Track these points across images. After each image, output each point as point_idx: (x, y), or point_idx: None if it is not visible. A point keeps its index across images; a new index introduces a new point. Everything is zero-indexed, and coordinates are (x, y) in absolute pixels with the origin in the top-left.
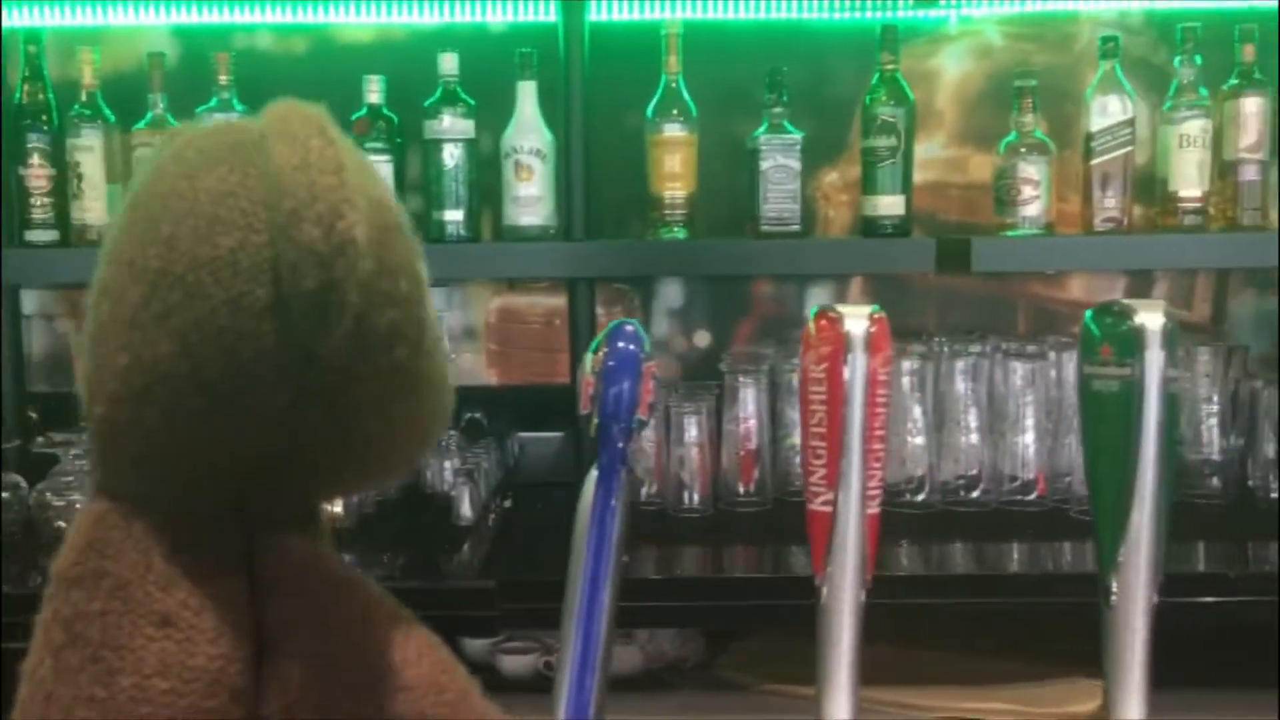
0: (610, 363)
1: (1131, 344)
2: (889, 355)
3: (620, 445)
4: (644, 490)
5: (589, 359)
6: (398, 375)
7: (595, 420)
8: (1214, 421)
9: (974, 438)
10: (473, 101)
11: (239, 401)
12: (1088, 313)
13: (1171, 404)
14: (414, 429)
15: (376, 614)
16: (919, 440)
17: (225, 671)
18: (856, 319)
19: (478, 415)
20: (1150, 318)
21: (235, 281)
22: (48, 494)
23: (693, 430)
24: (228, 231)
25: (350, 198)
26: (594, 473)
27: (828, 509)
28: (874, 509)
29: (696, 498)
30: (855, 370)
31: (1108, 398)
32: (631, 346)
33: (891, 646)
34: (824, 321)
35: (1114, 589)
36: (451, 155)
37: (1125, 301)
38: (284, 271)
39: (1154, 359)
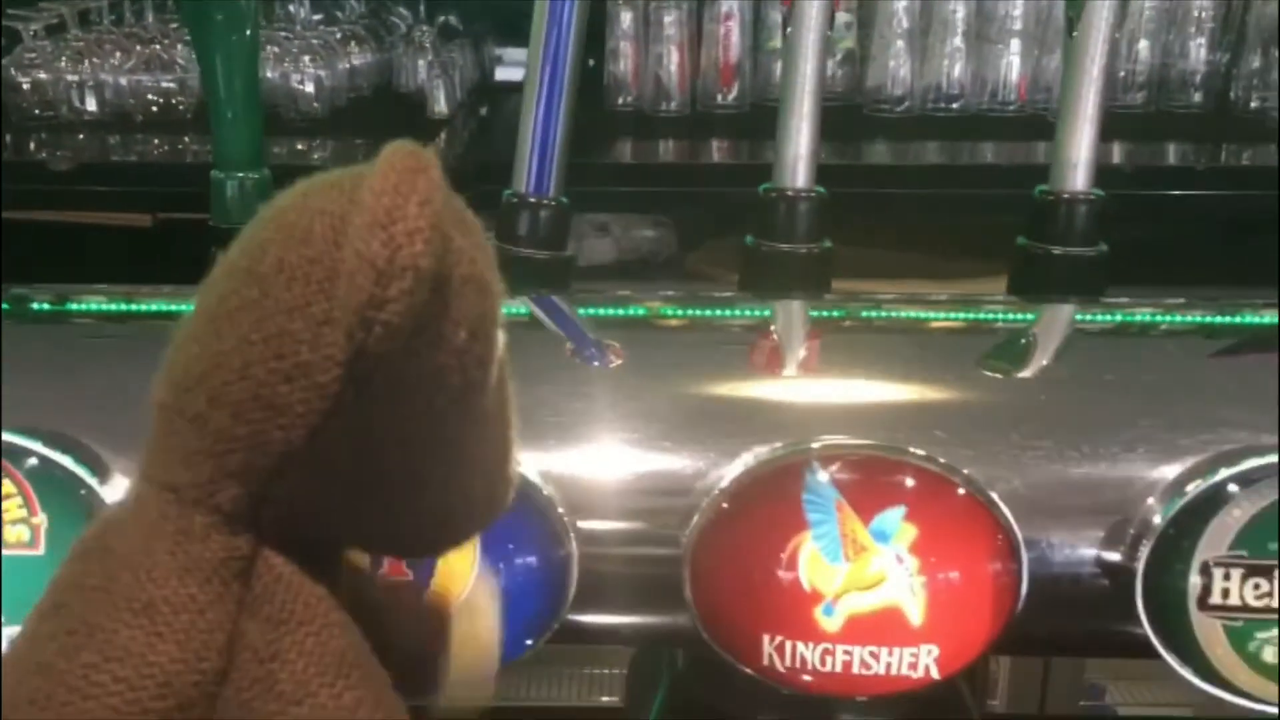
0: None
1: None
2: None
3: None
4: (620, 98)
5: None
6: (433, 430)
7: None
8: (1203, 39)
9: (959, 42)
10: None
11: (274, 405)
12: None
13: None
14: (444, 501)
15: (349, 665)
16: (900, 44)
17: (181, 677)
18: None
19: (451, 18)
20: None
21: (305, 290)
22: (12, 70)
23: (672, 29)
24: (312, 244)
25: (425, 229)
26: None
27: None
28: None
29: (675, 101)
30: None
31: None
32: None
33: (852, 247)
34: None
35: (1078, 19)
36: None
37: None
38: (342, 283)
39: None
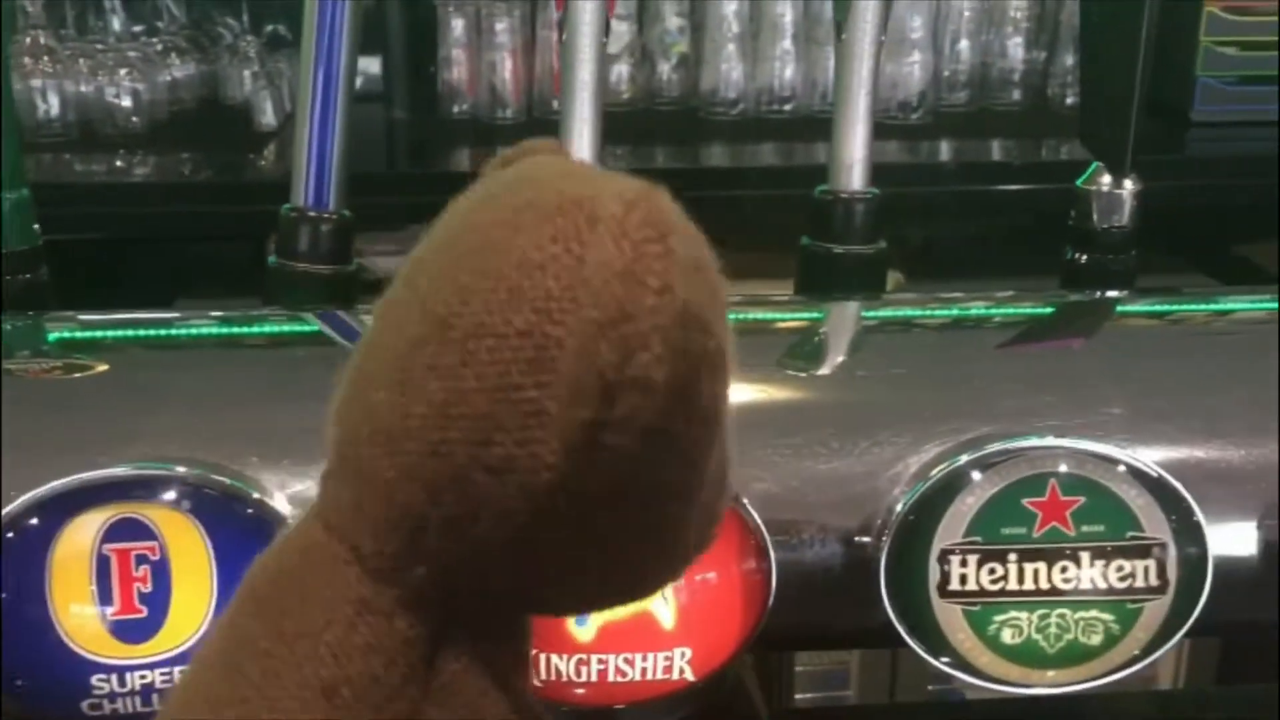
0: None
1: None
2: None
3: None
4: (455, 106)
5: None
6: (657, 529)
7: None
8: (1020, 39)
9: (788, 44)
10: None
11: (473, 495)
12: None
13: None
14: (658, 572)
15: None
16: (731, 48)
17: None
18: None
19: (280, 27)
20: None
21: (512, 368)
22: None
23: (505, 36)
24: (523, 311)
25: (665, 327)
26: None
27: None
28: None
29: (510, 109)
30: None
31: None
32: None
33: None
34: None
35: (845, 23)
36: None
37: None
38: (562, 387)
39: None
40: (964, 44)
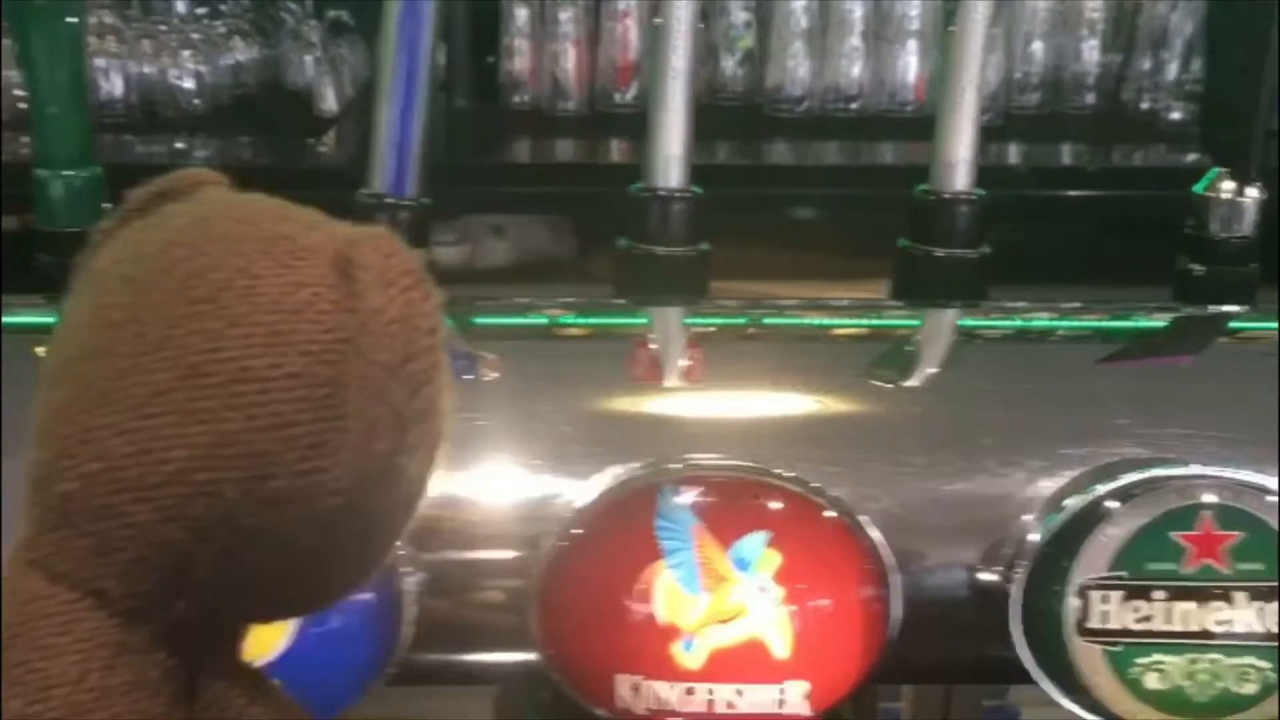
0: None
1: None
2: None
3: None
4: (516, 96)
5: None
6: (392, 538)
7: None
8: (1095, 41)
9: (856, 41)
10: None
11: (250, 525)
12: None
13: None
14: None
15: None
16: (799, 44)
17: None
18: None
19: (342, 13)
20: None
21: (283, 408)
22: None
23: (569, 26)
24: (289, 355)
25: (440, 364)
26: None
27: None
28: None
29: (572, 100)
30: None
31: None
32: None
33: (746, 247)
34: None
35: (955, 13)
36: None
37: None
38: (355, 426)
39: None
40: (1037, 45)
